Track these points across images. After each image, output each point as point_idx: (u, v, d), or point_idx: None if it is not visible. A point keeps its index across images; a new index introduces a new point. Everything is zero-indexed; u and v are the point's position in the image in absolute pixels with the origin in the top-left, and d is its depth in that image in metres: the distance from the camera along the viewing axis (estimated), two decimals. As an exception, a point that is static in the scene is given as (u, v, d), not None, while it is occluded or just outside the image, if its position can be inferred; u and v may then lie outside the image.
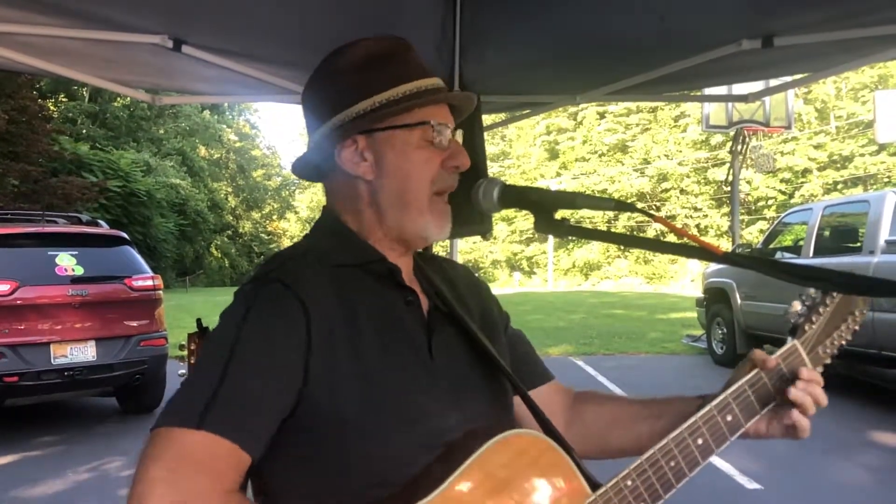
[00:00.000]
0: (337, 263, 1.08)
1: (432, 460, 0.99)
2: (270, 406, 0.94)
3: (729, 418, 1.10)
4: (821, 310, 1.18)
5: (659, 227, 37.31)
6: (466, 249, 47.07)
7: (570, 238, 1.05)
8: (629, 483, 1.03)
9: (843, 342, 1.20)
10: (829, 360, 1.18)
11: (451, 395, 1.06)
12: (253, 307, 0.99)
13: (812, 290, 1.20)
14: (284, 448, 0.98)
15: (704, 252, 0.95)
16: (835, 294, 1.19)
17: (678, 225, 1.11)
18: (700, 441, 1.07)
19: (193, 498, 0.83)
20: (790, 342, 1.16)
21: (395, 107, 1.08)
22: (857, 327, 1.21)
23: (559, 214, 1.05)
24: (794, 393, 1.09)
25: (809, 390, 1.10)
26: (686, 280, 36.57)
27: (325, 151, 1.12)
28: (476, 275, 1.36)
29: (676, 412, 1.14)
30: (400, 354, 1.05)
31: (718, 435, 1.09)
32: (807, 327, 1.17)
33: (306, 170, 1.19)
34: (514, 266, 48.82)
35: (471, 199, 1.13)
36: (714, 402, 1.10)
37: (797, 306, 1.19)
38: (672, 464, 1.05)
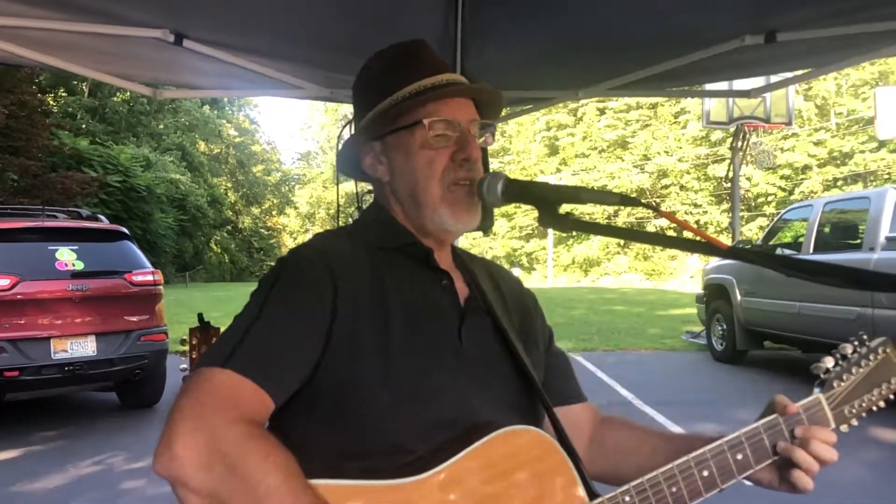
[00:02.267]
0: (378, 245, 1.15)
1: (446, 440, 1.01)
2: (293, 356, 1.00)
3: (739, 457, 1.10)
4: (854, 371, 1.16)
5: (659, 222, 37.32)
6: (466, 245, 46.84)
7: (571, 233, 1.05)
8: (627, 499, 1.04)
9: (874, 408, 1.18)
10: (855, 422, 1.16)
11: (476, 380, 1.09)
12: (284, 270, 1.07)
13: (848, 350, 1.17)
14: (306, 405, 1.03)
15: (709, 247, 0.94)
16: (871, 358, 1.17)
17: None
18: (706, 473, 1.07)
19: (215, 426, 0.90)
20: (815, 394, 1.15)
21: (395, 110, 1.14)
22: (892, 395, 1.18)
23: (563, 209, 1.05)
24: (783, 446, 1.10)
25: (812, 449, 1.10)
26: (686, 276, 36.56)
27: (354, 157, 1.23)
28: (523, 284, 1.39)
29: (698, 449, 1.12)
30: (427, 333, 1.08)
31: (725, 471, 1.09)
32: (836, 384, 1.15)
33: (347, 169, 1.29)
34: (513, 262, 48.82)
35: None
36: (726, 439, 1.10)
37: (828, 362, 1.17)
38: (674, 489, 1.05)
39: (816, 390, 1.15)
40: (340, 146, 1.27)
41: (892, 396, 1.18)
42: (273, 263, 1.13)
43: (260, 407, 0.96)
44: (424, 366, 1.05)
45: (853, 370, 1.16)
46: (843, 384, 1.15)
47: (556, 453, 1.03)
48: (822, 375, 1.16)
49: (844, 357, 1.17)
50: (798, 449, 1.10)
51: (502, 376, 1.14)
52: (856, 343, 1.19)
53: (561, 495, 1.02)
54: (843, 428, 1.15)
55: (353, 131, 1.25)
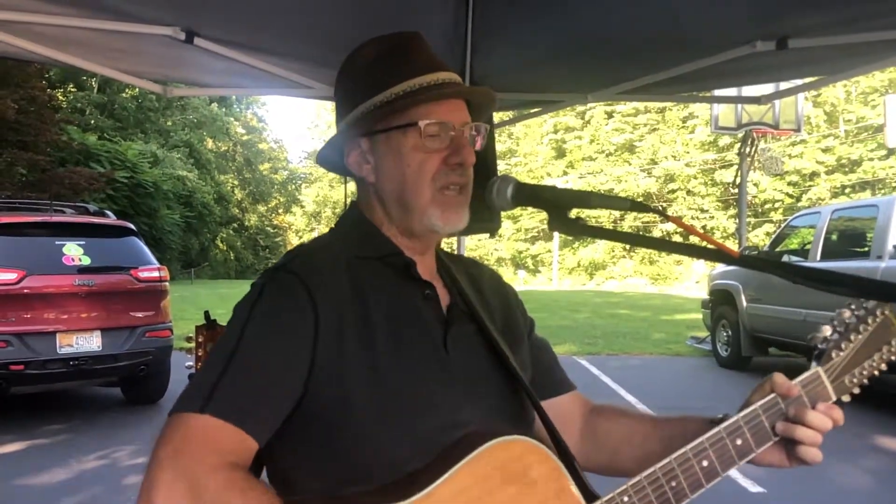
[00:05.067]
0: (358, 256, 1.10)
1: (439, 454, 0.99)
2: (275, 392, 0.97)
3: (739, 442, 1.06)
4: (852, 337, 1.12)
5: (665, 227, 37.26)
6: (472, 246, 47.03)
7: (580, 237, 1.04)
8: (625, 499, 1.01)
9: (876, 373, 1.13)
10: (856, 391, 1.12)
11: (465, 389, 1.07)
12: (261, 298, 1.02)
13: (846, 315, 1.13)
14: (297, 433, 1.00)
15: (720, 254, 0.94)
16: (870, 321, 1.12)
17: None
18: (705, 463, 1.04)
19: (195, 475, 0.86)
20: (813, 368, 1.11)
21: (387, 108, 1.09)
22: (893, 357, 1.14)
23: (572, 213, 1.04)
24: (781, 427, 1.07)
25: (809, 422, 1.06)
26: (691, 281, 36.49)
27: (339, 153, 1.17)
28: (503, 279, 1.36)
29: (688, 434, 1.10)
30: (413, 346, 1.05)
31: (726, 458, 1.05)
32: (834, 354, 1.11)
33: (332, 167, 1.23)
34: (518, 264, 48.79)
35: (482, 196, 1.12)
36: (724, 425, 1.06)
37: (826, 331, 1.13)
38: (673, 483, 1.03)
39: (814, 364, 1.11)
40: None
41: (893, 359, 1.14)
42: (276, 261, 1.10)
43: (241, 449, 0.92)
44: (412, 379, 1.02)
45: (852, 336, 1.12)
46: (841, 353, 1.11)
47: (548, 461, 1.01)
48: (819, 346, 1.12)
49: (842, 323, 1.13)
50: (797, 427, 1.06)
51: (491, 382, 1.12)
52: (853, 307, 1.14)
53: (558, 501, 1.00)
54: (845, 398, 1.11)
55: (336, 124, 1.19)
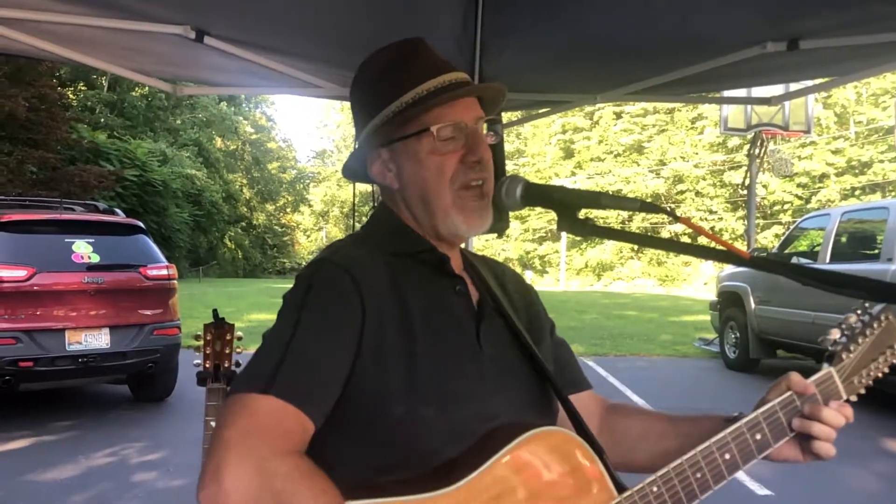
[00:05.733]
0: (392, 252, 1.14)
1: (473, 444, 1.02)
2: (329, 377, 1.00)
3: (758, 437, 1.11)
4: (860, 340, 1.18)
5: (673, 228, 37.15)
6: (479, 246, 46.74)
7: (588, 237, 1.05)
8: (654, 489, 1.05)
9: (879, 374, 1.20)
10: (862, 391, 1.19)
11: (497, 382, 1.10)
12: (313, 285, 1.05)
13: (852, 320, 1.20)
14: (335, 420, 1.02)
15: (730, 255, 0.93)
16: (875, 326, 1.19)
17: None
18: (727, 456, 1.09)
19: (264, 459, 0.88)
20: (826, 369, 1.16)
21: (399, 118, 1.12)
22: (894, 361, 1.21)
23: (581, 213, 1.05)
24: (798, 423, 1.12)
25: (825, 418, 1.11)
26: (699, 283, 36.38)
27: (363, 164, 1.21)
28: (524, 279, 1.39)
29: (704, 431, 1.14)
30: (448, 339, 1.09)
31: (746, 452, 1.10)
32: (844, 356, 1.18)
33: (355, 176, 1.28)
34: (526, 264, 48.72)
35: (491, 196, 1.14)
36: (744, 420, 1.11)
37: (835, 334, 1.19)
38: (698, 475, 1.07)
39: (825, 365, 1.17)
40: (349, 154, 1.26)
41: (894, 362, 1.21)
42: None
43: (303, 434, 0.95)
44: (448, 372, 1.05)
45: (859, 339, 1.18)
46: (850, 355, 1.17)
47: (585, 452, 1.05)
48: (829, 348, 1.19)
49: (849, 327, 1.20)
50: (813, 423, 1.11)
51: (520, 376, 1.15)
52: (858, 312, 1.21)
53: (594, 491, 1.04)
54: (853, 398, 1.17)
55: (355, 137, 1.23)
